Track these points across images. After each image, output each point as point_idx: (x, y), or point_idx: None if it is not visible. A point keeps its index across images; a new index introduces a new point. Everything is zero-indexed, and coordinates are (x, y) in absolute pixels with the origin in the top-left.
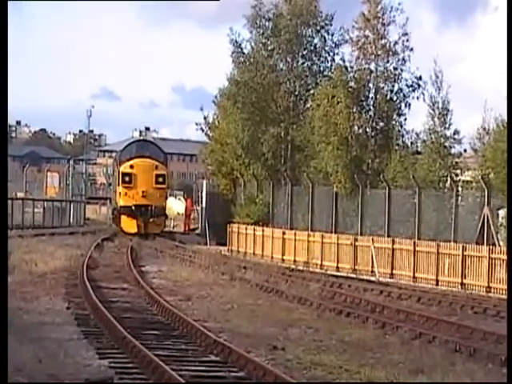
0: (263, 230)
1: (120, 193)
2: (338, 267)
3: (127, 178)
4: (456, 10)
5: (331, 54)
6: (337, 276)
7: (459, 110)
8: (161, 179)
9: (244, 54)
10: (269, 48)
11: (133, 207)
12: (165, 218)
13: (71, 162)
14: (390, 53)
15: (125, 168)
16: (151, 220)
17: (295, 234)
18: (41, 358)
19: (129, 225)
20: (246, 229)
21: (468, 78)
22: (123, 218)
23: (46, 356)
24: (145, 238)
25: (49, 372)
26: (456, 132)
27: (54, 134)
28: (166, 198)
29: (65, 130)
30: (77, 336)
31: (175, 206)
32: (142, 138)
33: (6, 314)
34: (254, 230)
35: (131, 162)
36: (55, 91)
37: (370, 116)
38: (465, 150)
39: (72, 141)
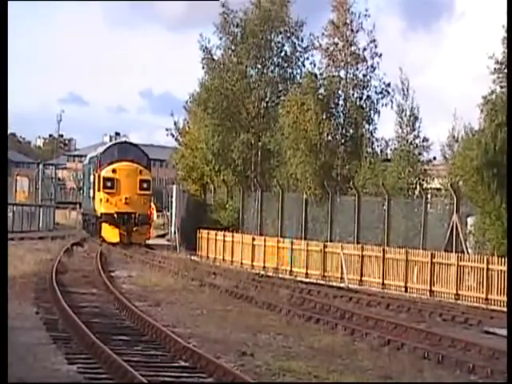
0: (233, 236)
1: (101, 199)
2: (307, 273)
3: (109, 184)
4: (421, 16)
5: (301, 60)
6: (306, 282)
7: (427, 117)
8: (145, 185)
9: (214, 60)
10: (239, 54)
11: (115, 215)
12: (149, 226)
13: (41, 166)
14: (359, 60)
15: (106, 172)
16: (135, 229)
17: (265, 240)
18: (9, 362)
19: (110, 234)
20: (216, 234)
21: (434, 84)
22: (104, 226)
23: (15, 360)
24: (114, 244)
25: (17, 376)
26: (425, 139)
27: (23, 139)
28: (151, 205)
29: (34, 134)
30: (46, 341)
31: None
32: (124, 139)
33: (6, 314)
34: (224, 235)
35: (113, 166)
36: (23, 95)
37: (340, 123)
38: (434, 158)
39: (42, 145)
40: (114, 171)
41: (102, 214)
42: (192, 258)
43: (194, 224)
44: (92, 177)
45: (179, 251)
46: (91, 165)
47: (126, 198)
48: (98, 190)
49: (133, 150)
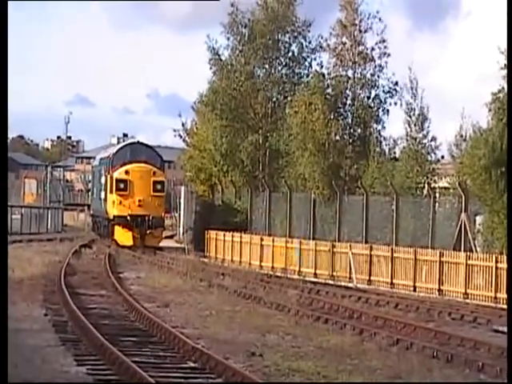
0: (241, 237)
1: (114, 201)
2: (315, 273)
3: (122, 185)
4: (427, 15)
5: (309, 60)
6: (315, 282)
7: (434, 116)
8: (159, 186)
9: (221, 60)
10: (246, 55)
11: (128, 217)
12: (163, 229)
13: (49, 168)
14: (367, 59)
15: (119, 174)
16: (148, 232)
17: (273, 240)
18: (17, 363)
19: (124, 237)
20: (224, 235)
21: (441, 83)
22: (117, 229)
23: (23, 362)
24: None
25: (25, 377)
26: (433, 138)
27: (31, 141)
28: (165, 208)
29: (42, 136)
30: (54, 342)
31: None
32: (136, 140)
33: (6, 314)
34: (232, 236)
35: (126, 168)
36: (30, 97)
37: (348, 123)
38: (442, 157)
39: (50, 147)
40: (126, 172)
41: (114, 216)
42: (200, 258)
43: (203, 225)
44: (103, 178)
45: (188, 252)
46: (102, 166)
47: (139, 200)
48: (111, 192)
49: (146, 150)
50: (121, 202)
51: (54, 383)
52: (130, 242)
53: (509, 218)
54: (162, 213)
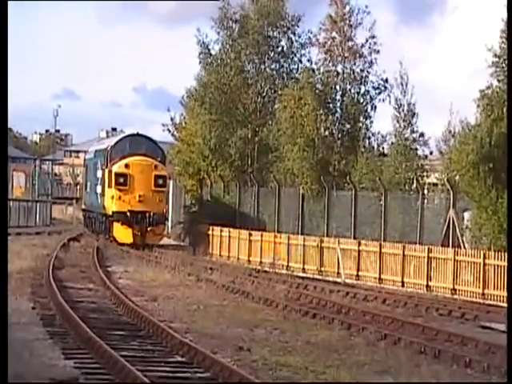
0: (229, 231)
1: (113, 196)
2: (304, 268)
3: (122, 180)
4: (413, 10)
5: (298, 55)
6: (303, 277)
7: (423, 112)
8: (161, 181)
9: (211, 55)
10: (236, 49)
11: (128, 213)
12: (164, 226)
13: (37, 161)
14: (357, 55)
15: (119, 167)
16: (149, 229)
17: (261, 235)
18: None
19: (123, 234)
20: (213, 230)
21: (429, 79)
22: (116, 225)
23: (11, 356)
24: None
25: (14, 371)
26: (421, 134)
27: (20, 134)
28: (167, 203)
29: (31, 129)
30: (42, 336)
31: None
32: (136, 132)
33: (6, 314)
34: (221, 230)
35: (126, 161)
36: (18, 91)
37: (337, 118)
38: (431, 153)
39: (38, 140)
40: (126, 166)
41: (113, 212)
42: (188, 253)
43: (191, 219)
44: (100, 172)
45: (176, 246)
46: (98, 158)
47: (139, 196)
48: (109, 187)
49: (146, 143)
50: (120, 198)
51: (55, 382)
52: (129, 240)
53: (509, 215)
54: (164, 209)
